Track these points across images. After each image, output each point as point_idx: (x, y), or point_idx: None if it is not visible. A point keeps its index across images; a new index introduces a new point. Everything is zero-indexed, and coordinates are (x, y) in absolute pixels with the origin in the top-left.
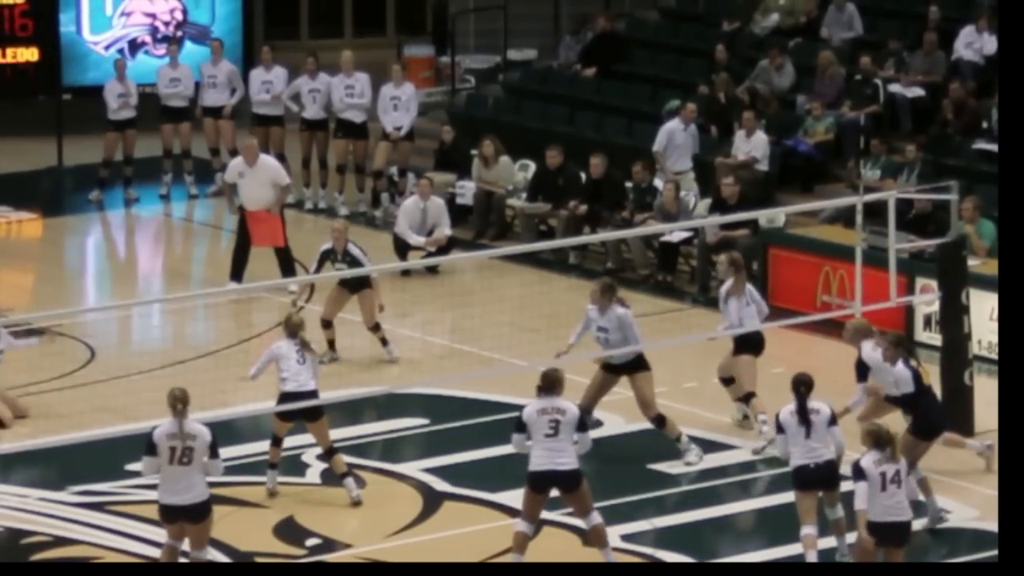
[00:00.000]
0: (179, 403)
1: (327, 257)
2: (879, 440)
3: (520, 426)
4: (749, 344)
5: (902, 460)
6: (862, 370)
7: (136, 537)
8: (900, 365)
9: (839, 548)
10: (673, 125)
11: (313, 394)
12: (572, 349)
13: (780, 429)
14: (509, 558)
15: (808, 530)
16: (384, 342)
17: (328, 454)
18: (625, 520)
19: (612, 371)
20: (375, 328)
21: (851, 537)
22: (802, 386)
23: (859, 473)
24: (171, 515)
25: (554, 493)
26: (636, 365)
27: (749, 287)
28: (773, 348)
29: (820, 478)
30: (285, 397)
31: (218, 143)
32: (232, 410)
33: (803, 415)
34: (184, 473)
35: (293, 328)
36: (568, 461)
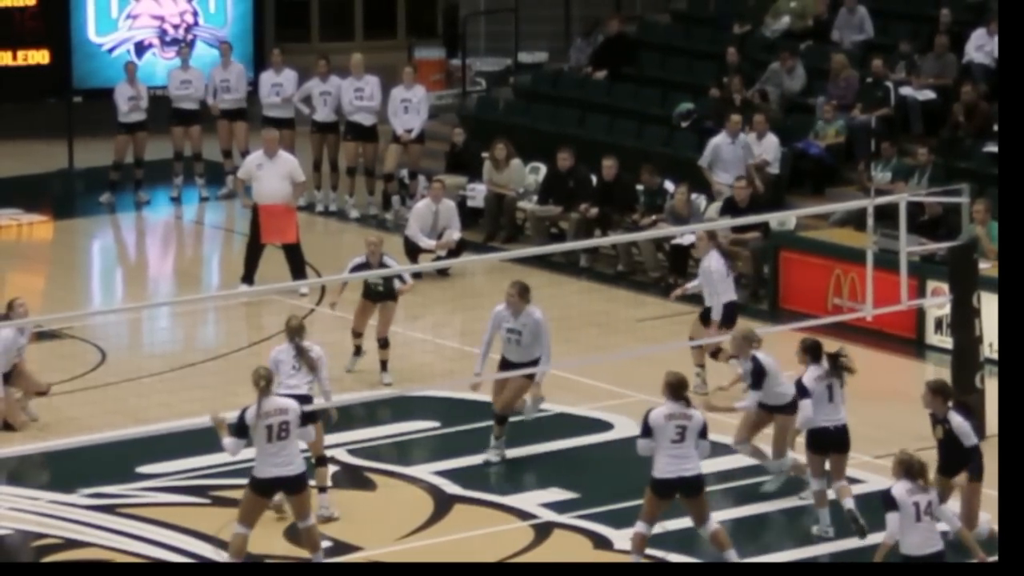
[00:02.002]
0: (263, 380)
1: (358, 270)
2: (910, 470)
3: (647, 431)
4: (726, 316)
5: (933, 491)
6: (758, 378)
7: (147, 540)
8: (958, 418)
9: (846, 507)
10: (719, 139)
11: (305, 399)
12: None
13: (805, 394)
14: (630, 559)
15: (818, 486)
16: (384, 365)
17: (318, 463)
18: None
19: (509, 367)
20: (384, 343)
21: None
22: (819, 349)
23: (891, 503)
24: (269, 489)
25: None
26: (530, 367)
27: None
28: (784, 351)
29: (837, 440)
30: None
31: (231, 145)
32: None
33: (836, 377)
34: (283, 447)
35: (291, 332)
36: (694, 467)
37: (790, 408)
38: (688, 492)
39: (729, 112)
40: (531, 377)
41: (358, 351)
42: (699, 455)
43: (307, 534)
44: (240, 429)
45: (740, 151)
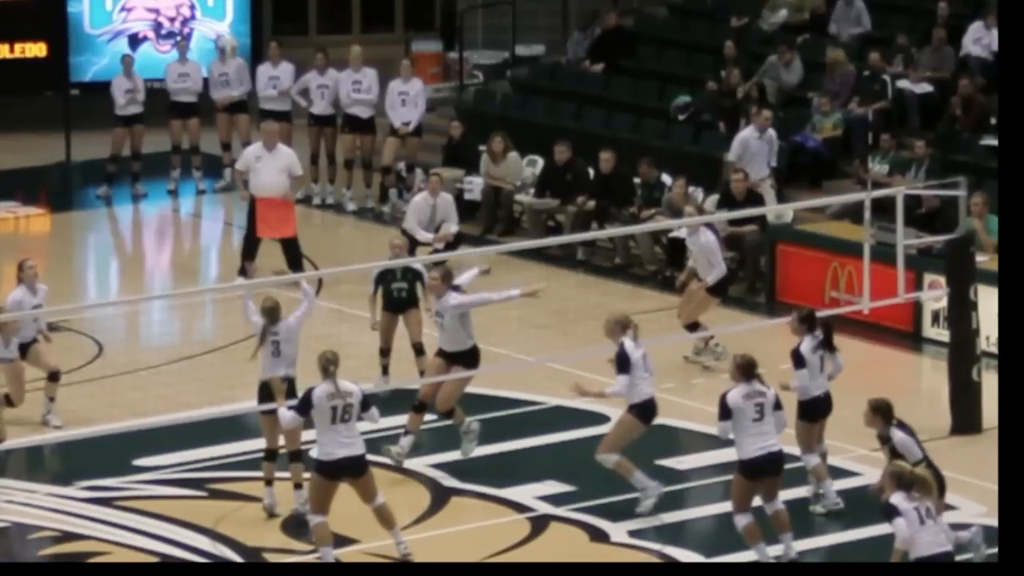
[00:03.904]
0: (331, 364)
1: (384, 278)
2: (902, 481)
3: (727, 413)
4: (722, 287)
5: (928, 501)
6: (623, 363)
7: (144, 532)
8: (899, 433)
9: (824, 493)
10: (747, 133)
11: (285, 381)
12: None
13: (801, 363)
14: (753, 551)
15: (814, 460)
16: (423, 375)
17: (291, 458)
18: (633, 516)
19: (445, 357)
20: (420, 350)
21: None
22: (814, 319)
23: (893, 511)
24: (335, 471)
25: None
26: (466, 359)
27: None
28: (782, 344)
29: (827, 406)
30: (262, 385)
31: (230, 138)
32: (239, 405)
33: (828, 349)
34: (345, 428)
35: (265, 313)
36: (775, 442)
37: (638, 411)
38: (774, 470)
39: (724, 106)
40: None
41: (386, 371)
42: (776, 428)
43: (380, 513)
44: (303, 407)
45: (766, 146)
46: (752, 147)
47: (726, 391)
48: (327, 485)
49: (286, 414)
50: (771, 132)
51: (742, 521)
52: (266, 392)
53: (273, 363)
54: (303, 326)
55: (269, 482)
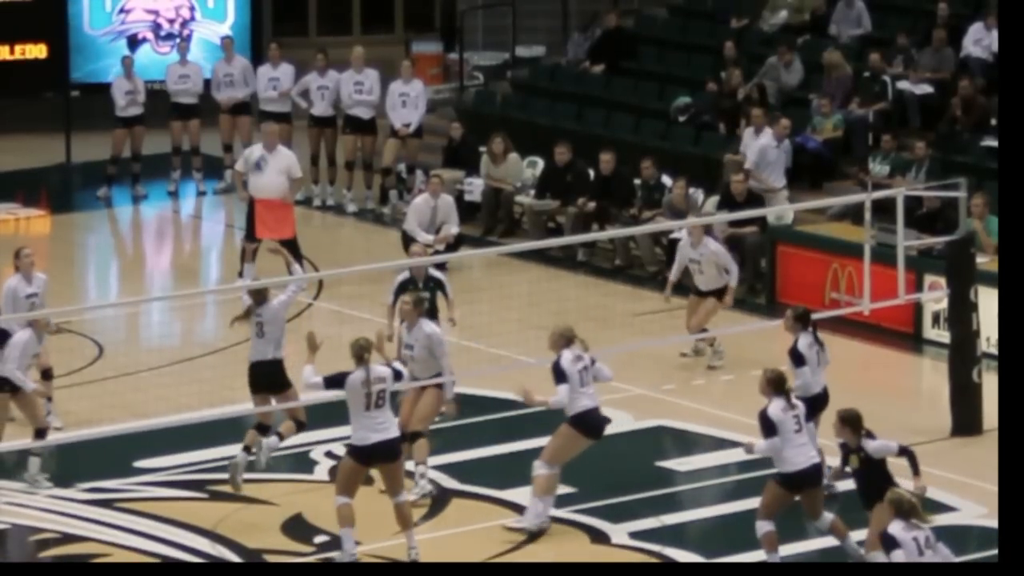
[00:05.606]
0: (365, 352)
1: (405, 288)
2: (901, 508)
3: (772, 429)
4: (721, 292)
5: (926, 527)
6: (558, 375)
7: (144, 534)
8: (872, 442)
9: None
10: (765, 141)
11: (275, 363)
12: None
13: (801, 362)
14: (764, 556)
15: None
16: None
17: (294, 421)
18: (633, 517)
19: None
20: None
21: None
22: (808, 316)
23: (893, 543)
24: (369, 456)
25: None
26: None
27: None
28: (782, 345)
29: (824, 402)
30: (251, 367)
31: (232, 139)
32: (239, 407)
33: (819, 344)
34: (380, 413)
35: (253, 295)
36: (815, 454)
37: (575, 423)
38: (816, 481)
39: (724, 107)
40: (440, 387)
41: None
42: (811, 440)
43: (400, 510)
44: (331, 383)
45: (783, 155)
46: (770, 156)
47: (763, 408)
48: (357, 469)
49: (311, 377)
50: (788, 143)
51: (765, 528)
52: (256, 373)
53: (259, 344)
54: (287, 309)
55: (247, 448)
